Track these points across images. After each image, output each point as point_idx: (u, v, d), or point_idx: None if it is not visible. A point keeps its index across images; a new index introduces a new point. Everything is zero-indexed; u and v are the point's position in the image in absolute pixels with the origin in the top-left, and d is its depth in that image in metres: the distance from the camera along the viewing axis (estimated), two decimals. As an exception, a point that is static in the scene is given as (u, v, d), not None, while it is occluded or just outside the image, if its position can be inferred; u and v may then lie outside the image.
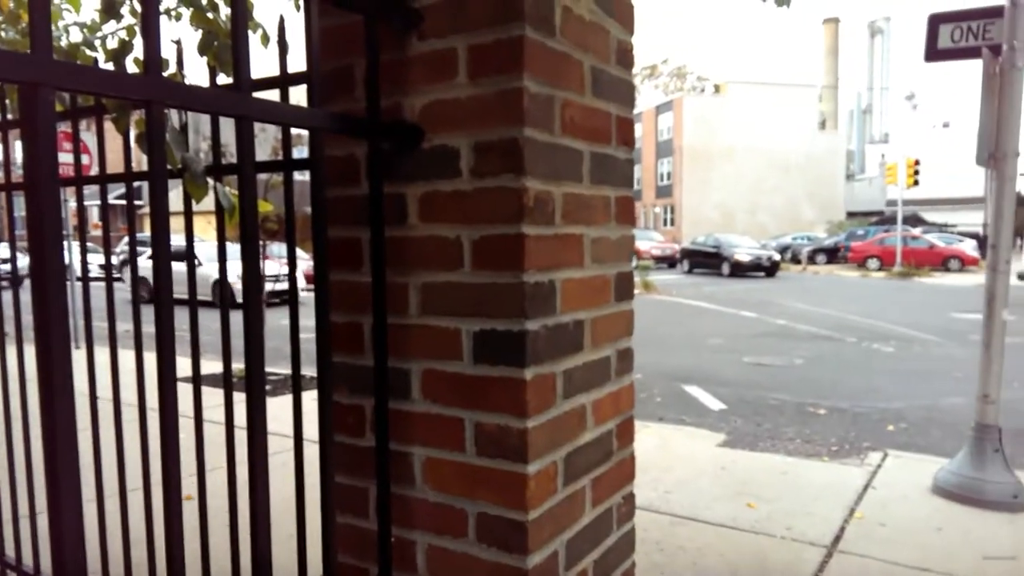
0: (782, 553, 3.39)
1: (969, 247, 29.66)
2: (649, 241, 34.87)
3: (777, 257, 28.23)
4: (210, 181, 1.71)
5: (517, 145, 1.16)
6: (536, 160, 1.19)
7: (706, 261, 28.80)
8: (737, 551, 3.36)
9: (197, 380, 1.84)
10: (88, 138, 8.53)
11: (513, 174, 1.17)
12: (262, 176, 3.38)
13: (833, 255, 34.53)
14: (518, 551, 1.18)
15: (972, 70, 4.30)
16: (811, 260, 34.04)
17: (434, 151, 1.31)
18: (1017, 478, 4.04)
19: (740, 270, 27.23)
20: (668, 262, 32.45)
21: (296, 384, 1.61)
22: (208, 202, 1.77)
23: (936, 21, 4.50)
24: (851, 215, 49.14)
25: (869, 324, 12.78)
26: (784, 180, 45.75)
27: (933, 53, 4.55)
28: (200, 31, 2.41)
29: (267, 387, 2.88)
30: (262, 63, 1.98)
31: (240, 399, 1.37)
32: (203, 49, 2.37)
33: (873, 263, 30.26)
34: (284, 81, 1.60)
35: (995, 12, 4.20)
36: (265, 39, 2.49)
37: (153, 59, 0.90)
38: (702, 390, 7.40)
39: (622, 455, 1.49)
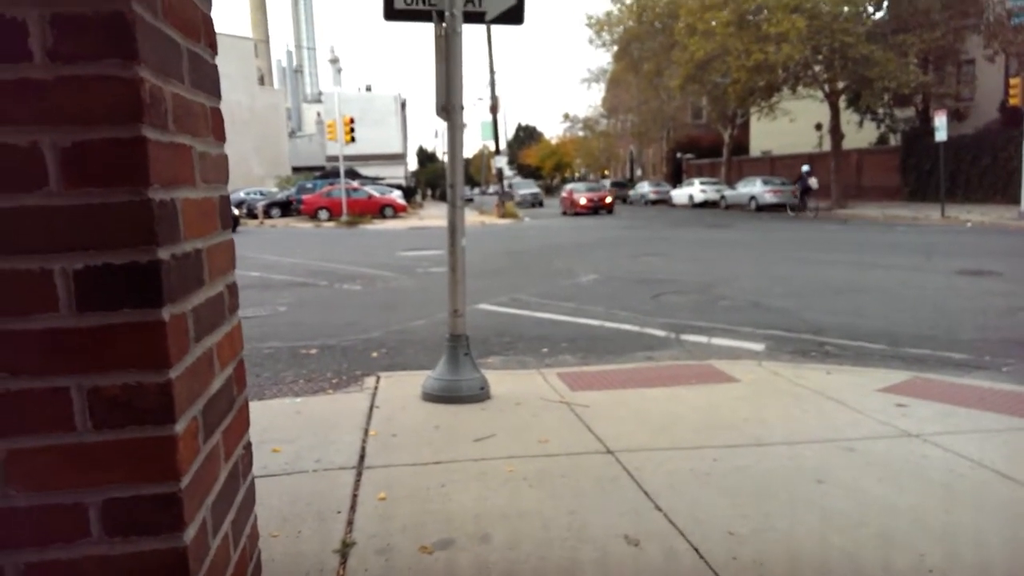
0: (319, 485, 3.52)
1: (398, 196, 34.63)
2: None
3: (236, 212, 28.16)
4: None
5: (125, 21, 0.87)
6: (147, 46, 0.91)
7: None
8: (276, 496, 3.35)
9: None
10: None
11: (121, 60, 0.88)
12: None
13: (287, 208, 36.00)
14: (171, 529, 0.95)
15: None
16: (267, 214, 34.83)
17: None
18: (482, 374, 5.00)
19: (198, 228, 26.30)
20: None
21: None
22: None
23: (389, -19, 4.99)
24: (296, 170, 51.68)
25: (333, 268, 13.84)
26: (233, 135, 44.70)
27: (391, 13, 5.05)
28: None
29: None
30: None
31: None
32: None
33: (323, 214, 32.79)
34: None
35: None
36: None
37: None
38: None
39: (240, 401, 1.33)
